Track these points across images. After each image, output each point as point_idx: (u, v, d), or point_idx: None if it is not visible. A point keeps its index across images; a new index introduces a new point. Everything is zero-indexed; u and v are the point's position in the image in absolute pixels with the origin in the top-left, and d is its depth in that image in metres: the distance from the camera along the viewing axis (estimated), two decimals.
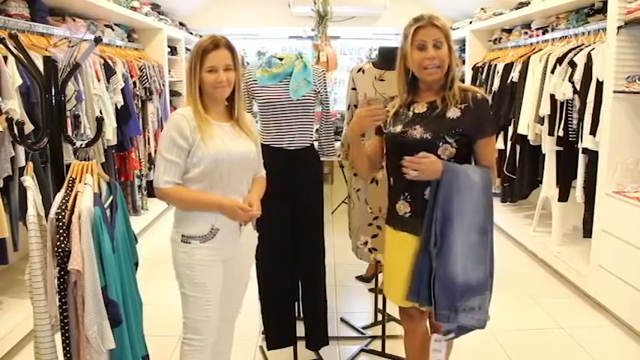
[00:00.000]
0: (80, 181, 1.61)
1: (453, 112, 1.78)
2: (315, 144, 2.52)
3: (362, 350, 2.72)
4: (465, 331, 1.85)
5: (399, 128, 1.83)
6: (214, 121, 1.78)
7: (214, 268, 1.81)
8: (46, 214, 1.55)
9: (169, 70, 5.59)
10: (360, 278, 3.65)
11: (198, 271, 1.77)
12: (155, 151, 4.54)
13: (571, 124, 3.42)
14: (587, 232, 3.33)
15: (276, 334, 2.51)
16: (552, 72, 3.59)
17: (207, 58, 1.73)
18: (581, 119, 3.31)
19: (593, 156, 3.18)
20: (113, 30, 4.60)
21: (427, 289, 1.77)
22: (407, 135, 1.80)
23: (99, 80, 3.66)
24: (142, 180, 4.84)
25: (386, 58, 2.49)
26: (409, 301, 1.85)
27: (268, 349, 2.54)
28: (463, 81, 4.94)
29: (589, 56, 3.25)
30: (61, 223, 1.50)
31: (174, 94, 5.79)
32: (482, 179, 1.77)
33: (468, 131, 1.78)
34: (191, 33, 6.34)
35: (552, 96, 3.55)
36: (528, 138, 3.90)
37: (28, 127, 2.66)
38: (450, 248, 1.73)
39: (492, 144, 1.88)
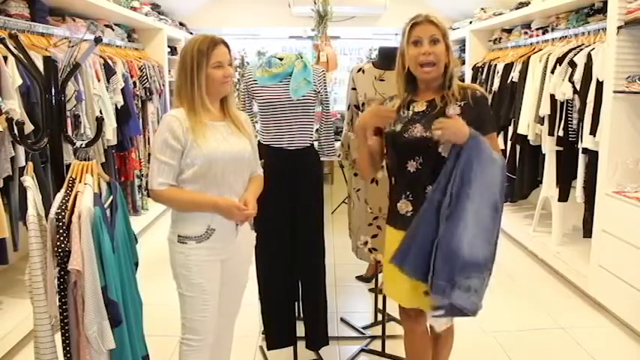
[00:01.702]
0: (80, 181, 1.61)
1: (453, 110, 1.78)
2: (315, 144, 2.52)
3: (362, 350, 2.72)
4: (455, 312, 1.75)
5: (399, 127, 1.84)
6: (208, 121, 1.78)
7: (211, 268, 1.81)
8: (46, 214, 1.55)
9: (169, 70, 5.59)
10: (360, 278, 3.65)
11: (194, 271, 1.77)
12: None
13: (571, 124, 3.42)
14: (587, 232, 3.33)
15: (276, 334, 2.51)
16: (552, 72, 3.59)
17: (213, 54, 1.73)
18: (581, 119, 3.31)
19: (593, 156, 3.18)
20: (113, 30, 4.60)
21: (420, 259, 1.70)
22: (407, 134, 1.80)
23: (99, 80, 3.66)
24: (142, 180, 4.84)
25: (386, 58, 2.49)
26: (392, 264, 1.78)
27: (268, 349, 2.54)
28: (463, 81, 4.93)
29: (589, 56, 3.25)
30: (61, 223, 1.49)
31: (174, 94, 5.79)
32: (501, 159, 1.76)
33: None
34: (191, 33, 6.33)
35: (552, 96, 3.55)
36: (528, 138, 3.90)
37: (28, 127, 2.66)
38: (461, 216, 1.67)
39: (494, 140, 1.88)
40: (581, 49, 3.38)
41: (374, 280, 3.03)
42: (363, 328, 2.94)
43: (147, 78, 4.76)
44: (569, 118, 3.43)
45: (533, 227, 4.14)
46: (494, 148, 1.84)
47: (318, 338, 2.54)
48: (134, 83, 4.51)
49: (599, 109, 3.09)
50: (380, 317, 2.84)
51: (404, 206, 1.86)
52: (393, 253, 1.80)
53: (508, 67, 4.41)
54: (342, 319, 3.05)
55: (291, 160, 2.35)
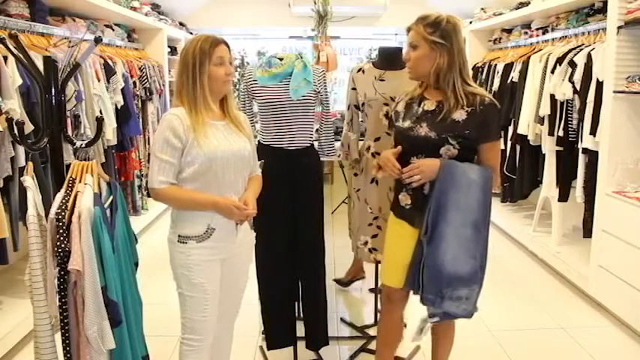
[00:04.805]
0: (80, 181, 1.61)
1: (459, 115, 1.81)
2: (315, 144, 2.52)
3: (362, 350, 2.72)
4: (449, 317, 1.90)
5: (407, 123, 1.89)
6: (208, 120, 1.78)
7: (211, 267, 1.81)
8: (46, 214, 1.55)
9: (169, 70, 5.59)
10: (338, 281, 3.44)
11: (195, 271, 1.77)
12: None
13: (571, 124, 3.42)
14: (587, 232, 3.33)
15: (276, 334, 2.51)
16: (552, 72, 3.58)
17: (215, 52, 1.74)
18: (581, 119, 3.31)
19: (593, 156, 3.18)
20: (113, 30, 4.60)
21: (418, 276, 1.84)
22: (413, 131, 1.86)
23: (99, 80, 3.66)
24: (141, 180, 4.84)
25: (386, 58, 2.49)
26: (408, 289, 1.92)
27: (268, 349, 2.54)
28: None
29: (589, 56, 3.25)
30: (61, 223, 1.50)
31: (174, 94, 5.78)
32: (482, 177, 1.81)
33: (472, 134, 1.80)
34: (191, 33, 6.33)
35: (552, 96, 3.55)
36: (528, 138, 3.90)
37: (28, 127, 2.66)
38: (441, 238, 1.78)
39: (497, 148, 1.91)
40: (581, 49, 3.38)
41: (374, 281, 3.03)
42: (363, 328, 2.94)
43: (147, 78, 4.76)
44: (569, 118, 3.43)
45: (533, 227, 4.14)
46: (494, 157, 1.89)
47: (318, 338, 2.54)
48: (134, 83, 4.51)
49: (599, 109, 3.09)
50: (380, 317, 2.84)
51: (404, 199, 1.93)
52: (400, 273, 1.92)
53: (508, 67, 4.41)
54: (342, 319, 3.05)
55: (291, 160, 2.35)
